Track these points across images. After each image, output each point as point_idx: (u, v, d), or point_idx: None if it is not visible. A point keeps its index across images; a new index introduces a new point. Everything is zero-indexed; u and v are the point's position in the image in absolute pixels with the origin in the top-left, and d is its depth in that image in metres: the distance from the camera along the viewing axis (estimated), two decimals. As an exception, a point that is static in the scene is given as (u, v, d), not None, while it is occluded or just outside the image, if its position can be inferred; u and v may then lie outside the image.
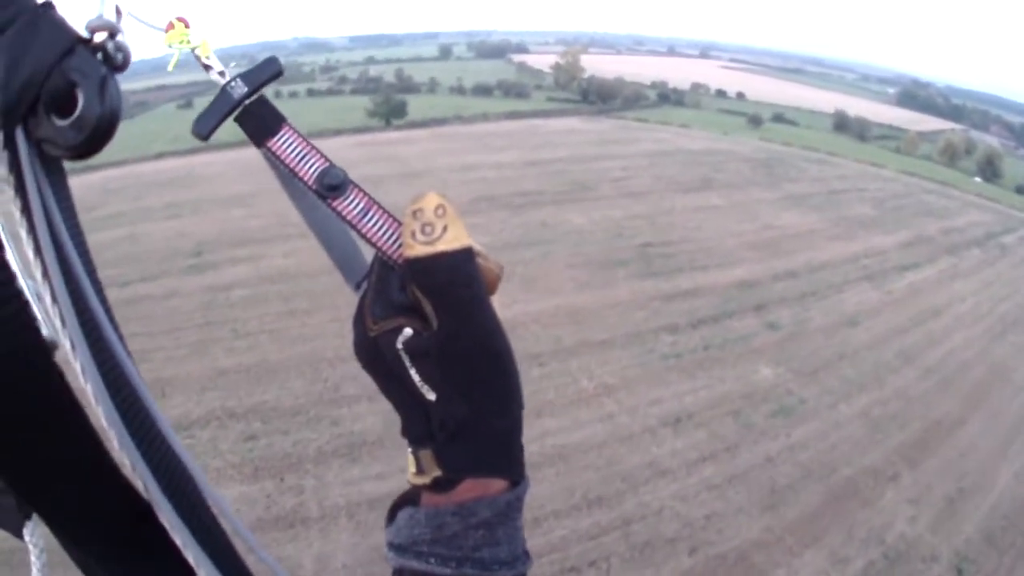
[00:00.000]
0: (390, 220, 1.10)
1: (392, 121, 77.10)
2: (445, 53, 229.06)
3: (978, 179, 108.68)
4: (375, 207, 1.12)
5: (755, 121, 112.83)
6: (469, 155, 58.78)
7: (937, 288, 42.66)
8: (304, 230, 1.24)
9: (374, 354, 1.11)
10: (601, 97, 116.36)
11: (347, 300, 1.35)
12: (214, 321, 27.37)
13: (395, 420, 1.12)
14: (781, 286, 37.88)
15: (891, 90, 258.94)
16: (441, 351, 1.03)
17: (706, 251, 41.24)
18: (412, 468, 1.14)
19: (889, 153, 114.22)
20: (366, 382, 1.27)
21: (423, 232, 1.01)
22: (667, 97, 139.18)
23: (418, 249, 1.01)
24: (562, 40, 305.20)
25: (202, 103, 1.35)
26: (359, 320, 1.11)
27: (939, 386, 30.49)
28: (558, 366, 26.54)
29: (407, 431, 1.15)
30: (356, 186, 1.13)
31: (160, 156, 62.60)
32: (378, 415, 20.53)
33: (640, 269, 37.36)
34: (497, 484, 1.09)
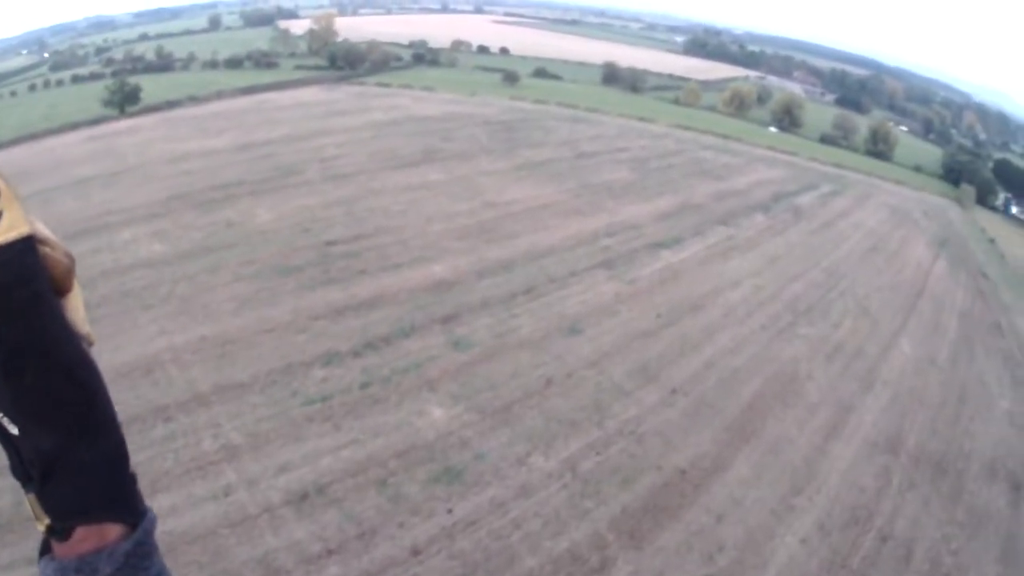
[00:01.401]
0: None
1: (126, 108, 77.55)
2: (214, 23, 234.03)
3: (773, 129, 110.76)
4: None
5: (511, 78, 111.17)
6: (188, 142, 57.71)
7: (701, 271, 40.27)
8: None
9: None
10: (349, 62, 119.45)
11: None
12: None
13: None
14: (486, 284, 34.65)
15: (679, 39, 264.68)
16: (4, 369, 0.96)
17: (403, 244, 38.16)
18: (30, 513, 1.10)
19: (665, 105, 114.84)
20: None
21: None
22: (422, 57, 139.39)
23: None
24: (336, 2, 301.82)
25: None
26: None
27: (691, 414, 26.60)
28: (185, 421, 22.75)
29: (13, 471, 1.09)
30: None
31: None
32: (8, 490, 17.65)
33: (316, 276, 33.76)
34: (113, 531, 1.08)
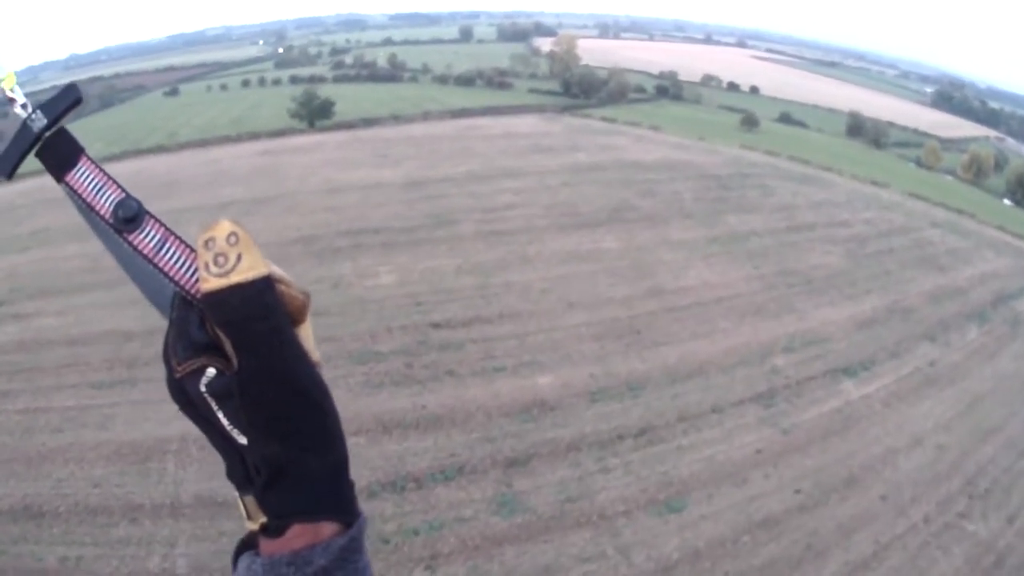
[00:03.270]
0: (189, 252, 1.06)
1: (315, 122, 68.32)
2: (466, 35, 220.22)
3: (1008, 202, 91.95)
4: (172, 239, 1.08)
5: (750, 122, 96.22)
6: (357, 169, 50.44)
7: (881, 418, 28.06)
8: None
9: (183, 397, 1.07)
10: (584, 90, 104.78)
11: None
12: None
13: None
14: (595, 413, 24.99)
15: (929, 89, 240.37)
16: (242, 391, 1.00)
17: (519, 339, 29.11)
18: (242, 513, 1.14)
19: (904, 166, 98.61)
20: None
21: (216, 263, 0.98)
22: (666, 91, 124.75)
23: (212, 282, 0.97)
24: (600, 23, 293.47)
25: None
26: (166, 360, 1.05)
27: None
28: (136, 532, 18.10)
29: (230, 475, 1.14)
30: (153, 217, 1.09)
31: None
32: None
33: (395, 370, 25.81)
34: (328, 528, 1.08)
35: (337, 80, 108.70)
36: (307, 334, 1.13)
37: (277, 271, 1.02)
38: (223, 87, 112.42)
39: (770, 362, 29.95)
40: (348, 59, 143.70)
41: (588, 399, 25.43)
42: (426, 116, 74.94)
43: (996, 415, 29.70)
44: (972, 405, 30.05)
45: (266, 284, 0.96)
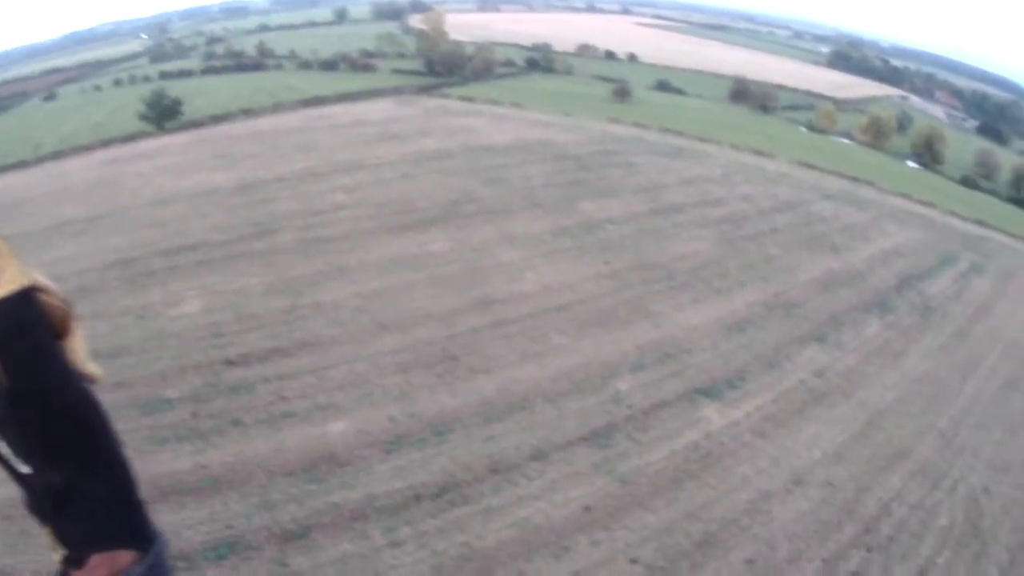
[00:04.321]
0: None
1: (164, 124, 67.28)
2: (340, 16, 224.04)
3: (912, 164, 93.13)
4: None
5: (622, 93, 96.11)
6: (192, 175, 47.95)
7: (751, 451, 24.33)
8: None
9: None
10: (449, 68, 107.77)
11: None
12: None
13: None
14: (392, 468, 21.51)
15: (825, 49, 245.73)
16: (11, 414, 1.02)
17: (317, 376, 25.85)
18: (49, 545, 1.16)
19: (794, 131, 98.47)
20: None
21: None
22: (537, 64, 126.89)
23: None
24: None
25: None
26: None
27: None
28: None
29: (28, 506, 1.14)
30: None
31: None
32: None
33: (179, 422, 22.88)
34: (125, 556, 1.11)
35: (205, 72, 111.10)
36: (76, 346, 1.13)
37: (39, 278, 1.02)
38: (97, 88, 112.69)
39: (612, 386, 26.23)
40: (220, 49, 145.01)
41: (384, 449, 21.89)
42: (275, 108, 73.53)
43: (903, 434, 26.70)
44: (872, 424, 26.90)
45: (24, 299, 0.96)
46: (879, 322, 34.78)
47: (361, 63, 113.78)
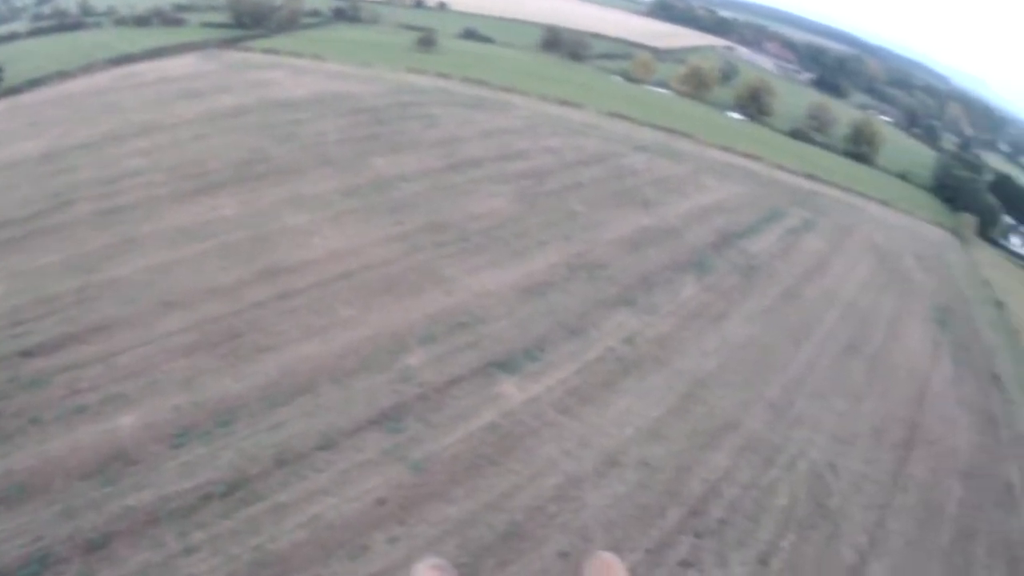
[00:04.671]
0: None
1: None
2: None
3: (735, 115, 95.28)
4: None
5: (426, 42, 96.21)
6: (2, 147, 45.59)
7: (556, 429, 23.36)
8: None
9: None
10: (255, 19, 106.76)
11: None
12: None
13: None
14: (177, 465, 20.51)
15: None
16: None
17: (106, 364, 24.72)
18: None
19: (607, 81, 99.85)
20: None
21: None
22: (343, 13, 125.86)
23: None
24: None
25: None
26: None
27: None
28: None
29: None
30: None
31: None
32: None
33: None
34: None
35: (32, 34, 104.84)
36: None
37: None
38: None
39: (402, 362, 25.10)
40: (47, 9, 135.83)
41: (170, 444, 20.87)
42: (87, 69, 70.62)
43: (727, 406, 26.52)
44: (691, 396, 26.55)
45: None
46: (696, 283, 34.62)
47: (172, 17, 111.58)
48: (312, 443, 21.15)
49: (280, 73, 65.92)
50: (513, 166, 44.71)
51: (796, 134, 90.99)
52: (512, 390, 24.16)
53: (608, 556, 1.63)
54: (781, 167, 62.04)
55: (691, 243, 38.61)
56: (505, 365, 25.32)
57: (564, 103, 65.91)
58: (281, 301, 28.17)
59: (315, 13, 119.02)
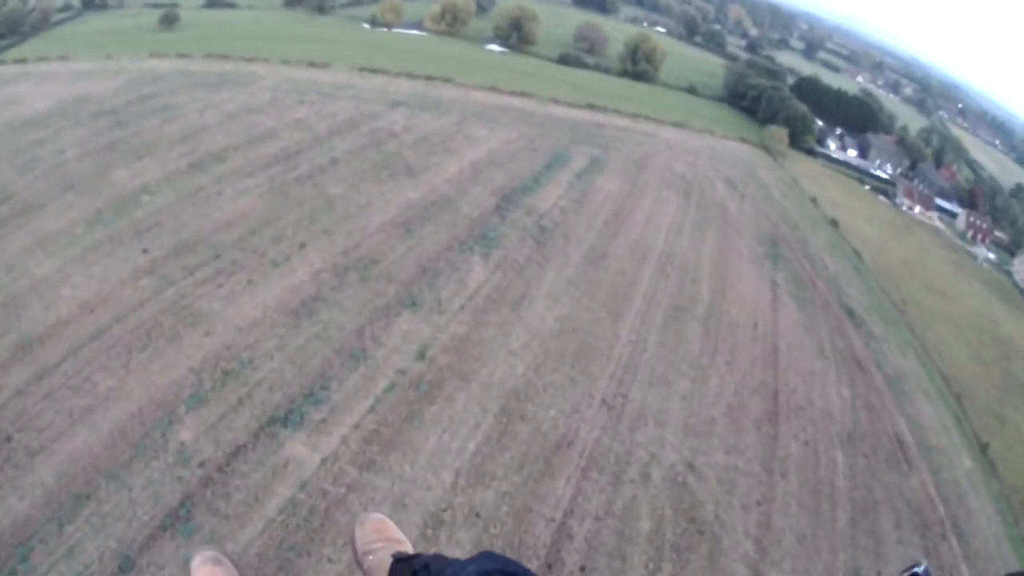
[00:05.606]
0: None
1: None
2: None
3: (495, 48, 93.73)
4: None
5: (168, 20, 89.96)
6: None
7: (367, 482, 20.53)
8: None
9: None
10: (10, 28, 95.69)
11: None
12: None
13: None
14: None
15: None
16: None
17: None
18: None
19: (356, 30, 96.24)
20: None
21: None
22: (91, 2, 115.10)
23: None
24: None
25: None
26: None
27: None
28: None
29: None
30: None
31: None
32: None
33: None
34: None
35: None
36: None
37: None
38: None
39: (174, 438, 21.58)
40: None
41: None
42: None
43: (553, 415, 24.57)
44: (507, 412, 24.42)
45: None
46: (484, 263, 32.02)
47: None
48: (111, 568, 17.73)
49: (26, 85, 57.85)
50: (260, 151, 40.75)
51: (566, 59, 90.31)
52: (302, 450, 21.11)
53: (377, 516, 2.12)
54: (556, 100, 60.10)
55: (469, 213, 36.04)
56: (287, 419, 22.10)
57: (311, 64, 62.03)
58: (39, 384, 23.61)
59: (67, 7, 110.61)
